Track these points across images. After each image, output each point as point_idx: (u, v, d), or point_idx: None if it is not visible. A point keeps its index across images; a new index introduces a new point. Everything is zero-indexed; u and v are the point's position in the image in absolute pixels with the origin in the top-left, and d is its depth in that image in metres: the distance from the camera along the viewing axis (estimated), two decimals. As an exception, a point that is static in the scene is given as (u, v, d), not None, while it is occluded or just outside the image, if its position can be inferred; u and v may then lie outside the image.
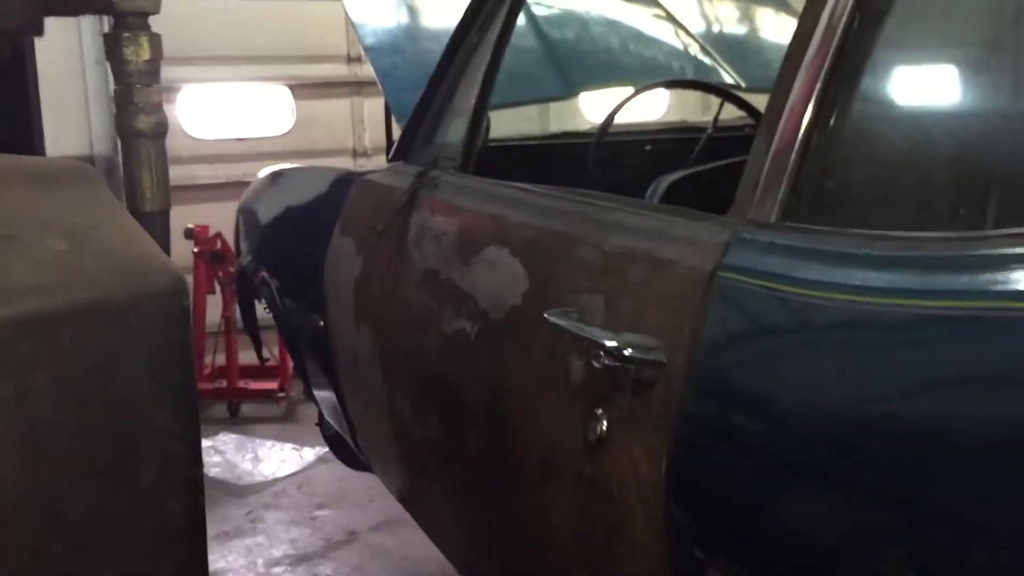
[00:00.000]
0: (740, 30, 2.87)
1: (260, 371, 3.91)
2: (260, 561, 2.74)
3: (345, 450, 2.43)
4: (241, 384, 3.91)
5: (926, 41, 1.06)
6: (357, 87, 4.61)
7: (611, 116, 2.10)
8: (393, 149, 1.95)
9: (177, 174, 4.37)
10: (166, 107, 4.32)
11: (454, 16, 1.79)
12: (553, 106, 3.66)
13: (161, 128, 3.77)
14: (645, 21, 2.65)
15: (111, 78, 3.69)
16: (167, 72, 4.27)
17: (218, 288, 3.91)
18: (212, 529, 2.87)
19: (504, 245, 1.36)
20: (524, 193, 1.44)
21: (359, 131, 4.66)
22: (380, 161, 2.37)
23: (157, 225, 3.58)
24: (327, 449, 2.85)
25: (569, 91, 2.50)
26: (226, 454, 3.50)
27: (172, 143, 4.36)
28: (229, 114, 4.50)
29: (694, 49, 2.65)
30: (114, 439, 1.28)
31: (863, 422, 0.79)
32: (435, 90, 1.82)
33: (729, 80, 2.57)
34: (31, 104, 3.45)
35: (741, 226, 0.99)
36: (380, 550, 2.77)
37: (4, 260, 1.23)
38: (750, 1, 2.87)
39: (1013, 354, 0.72)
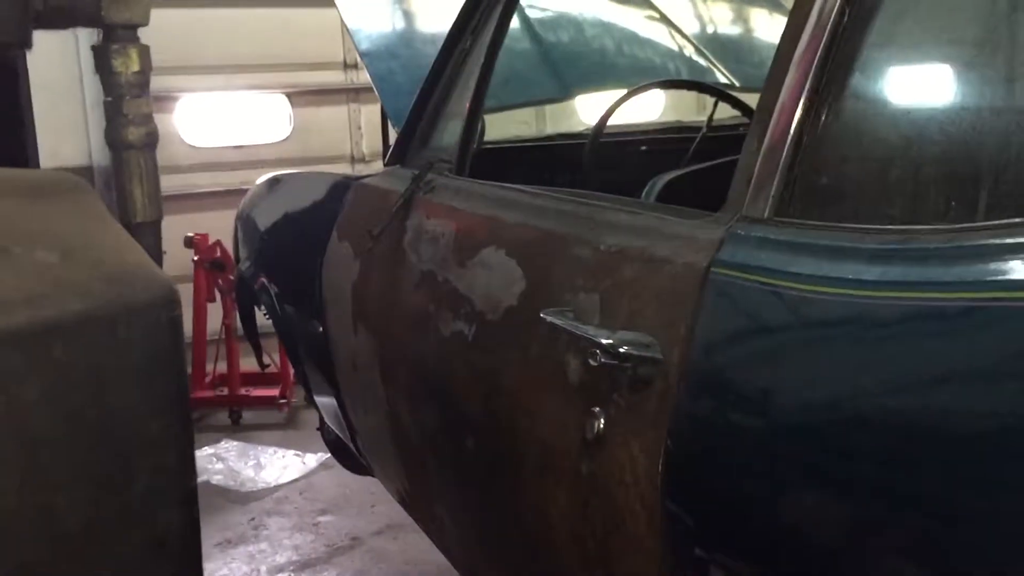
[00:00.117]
0: (733, 30, 2.88)
1: (261, 378, 3.92)
2: (263, 568, 2.74)
3: (346, 454, 2.43)
4: (243, 391, 3.91)
5: (916, 36, 1.06)
6: (354, 94, 4.62)
7: (605, 117, 2.10)
8: (389, 153, 1.96)
9: (176, 183, 4.39)
10: (165, 116, 4.34)
11: (449, 20, 1.80)
12: (548, 109, 3.67)
13: (151, 139, 3.79)
14: (638, 22, 2.65)
15: (108, 89, 3.71)
16: (165, 82, 4.29)
17: (218, 296, 3.91)
18: (215, 536, 2.90)
19: (500, 246, 1.36)
20: (519, 194, 1.44)
21: (356, 137, 4.67)
22: (378, 167, 2.39)
23: (148, 236, 3.59)
24: (329, 455, 2.86)
25: (564, 93, 2.51)
26: (228, 461, 3.51)
27: (171, 152, 4.39)
28: (227, 122, 4.51)
29: (688, 50, 2.65)
30: (106, 449, 1.28)
31: (859, 415, 0.79)
32: (430, 94, 1.83)
33: (723, 80, 2.58)
34: (23, 116, 3.46)
35: (734, 222, 0.99)
36: (383, 555, 2.77)
37: (-6, 273, 1.23)
38: (743, 1, 2.87)
39: (1006, 344, 0.72)
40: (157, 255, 3.78)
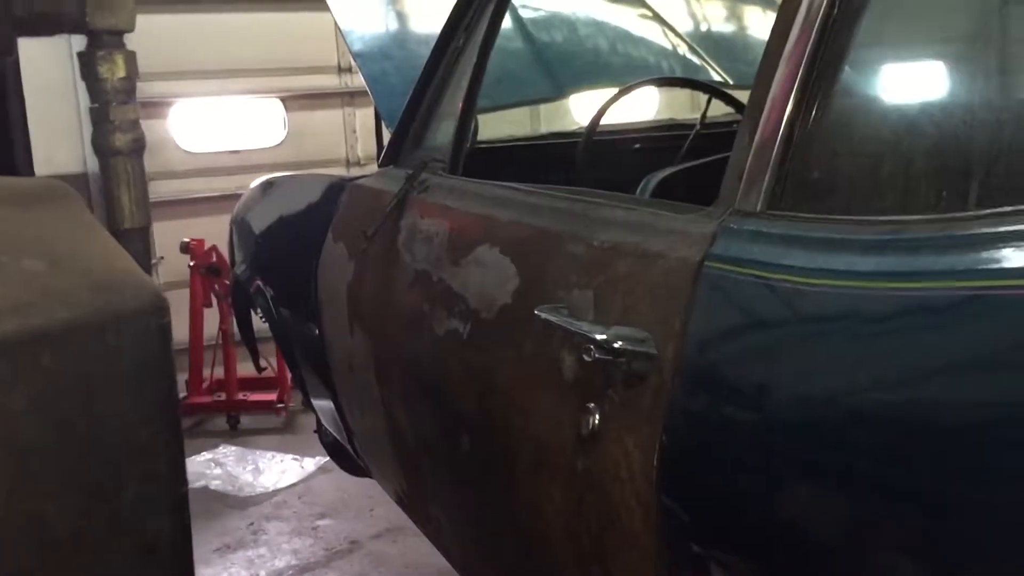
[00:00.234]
0: (726, 28, 2.88)
1: (259, 383, 3.91)
2: (263, 573, 2.74)
3: (344, 456, 2.43)
4: (240, 396, 3.91)
5: (905, 31, 1.07)
6: (349, 97, 4.62)
7: (599, 115, 2.10)
8: (383, 154, 1.96)
9: (171, 188, 4.39)
10: (159, 122, 4.34)
11: (442, 21, 1.80)
12: (543, 109, 3.67)
13: (139, 145, 3.79)
14: (631, 21, 2.66)
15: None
16: (160, 87, 4.29)
17: (215, 301, 3.91)
18: (214, 541, 2.89)
19: (494, 244, 1.36)
20: (512, 192, 1.44)
21: (351, 141, 4.68)
22: (373, 170, 2.39)
23: (137, 242, 3.59)
24: (327, 459, 2.85)
25: (557, 93, 2.51)
26: (226, 466, 3.50)
27: (166, 157, 4.39)
28: (222, 127, 4.51)
29: (681, 48, 2.65)
30: (96, 457, 1.27)
31: (854, 407, 0.79)
32: (423, 94, 1.83)
33: (717, 78, 2.58)
34: (12, 123, 3.46)
35: (727, 216, 0.99)
36: (382, 558, 2.77)
37: (-19, 282, 1.23)
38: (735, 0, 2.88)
39: (1000, 332, 0.72)
40: (145, 261, 3.78)
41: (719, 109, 2.29)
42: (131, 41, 4.03)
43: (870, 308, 0.80)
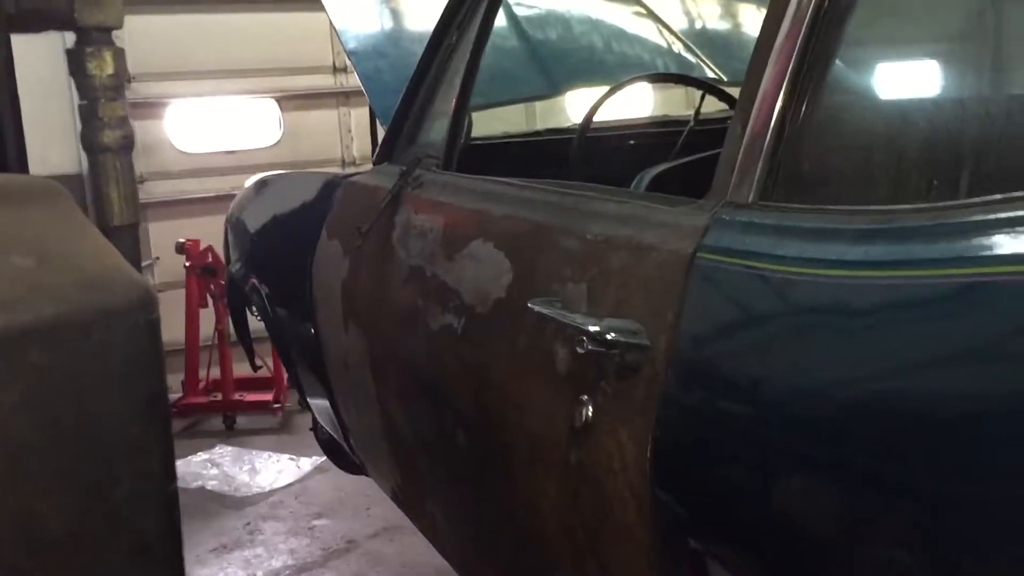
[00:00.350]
0: (721, 26, 2.88)
1: (255, 383, 3.91)
2: (259, 573, 2.73)
3: (340, 454, 2.42)
4: (236, 396, 3.91)
5: (893, 24, 1.07)
6: (344, 97, 4.62)
7: (592, 111, 2.11)
8: (377, 151, 1.96)
9: (167, 188, 4.39)
10: (155, 122, 4.34)
11: (435, 19, 1.80)
12: (539, 107, 3.68)
13: (128, 142, 3.77)
14: (626, 18, 2.66)
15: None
16: (155, 87, 4.29)
17: (210, 301, 3.90)
18: (210, 541, 2.89)
19: (488, 239, 1.36)
20: (506, 187, 1.44)
21: (347, 141, 4.67)
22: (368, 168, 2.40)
23: (126, 239, 3.58)
24: (324, 459, 2.85)
25: (551, 90, 2.51)
26: (223, 466, 3.50)
27: (161, 158, 4.38)
28: (217, 128, 4.51)
29: (676, 46, 2.66)
30: (86, 454, 1.26)
31: (845, 396, 0.79)
32: (416, 90, 1.83)
33: (711, 75, 2.58)
34: (5, 124, 3.45)
35: (719, 208, 0.99)
36: (379, 558, 2.76)
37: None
38: (729, -3, 2.88)
39: (990, 319, 0.71)
40: (135, 258, 3.77)
41: (714, 106, 2.30)
42: (126, 41, 4.03)
43: (860, 296, 0.80)
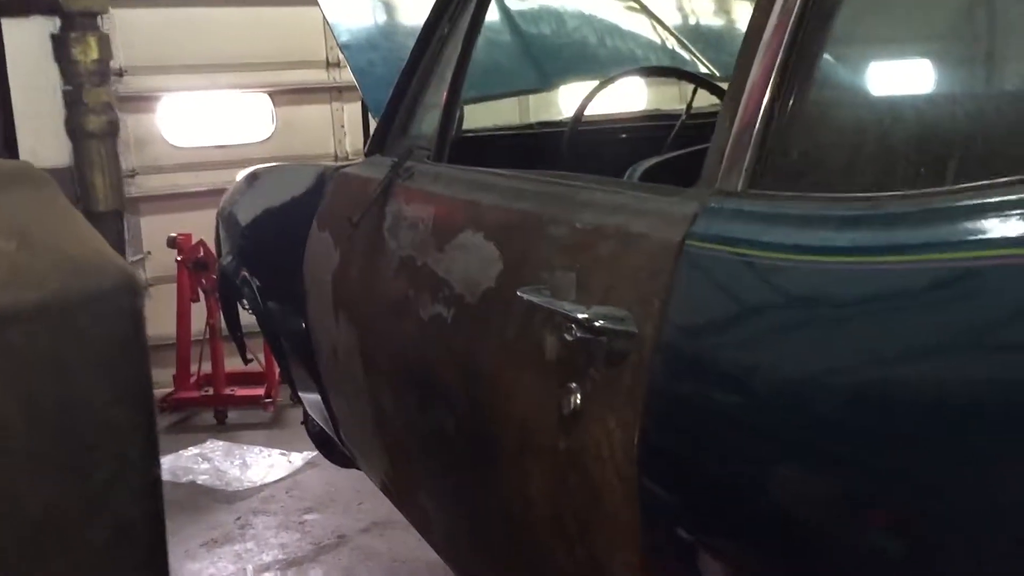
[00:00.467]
0: (714, 21, 2.89)
1: (247, 378, 3.91)
2: (250, 567, 2.73)
3: (330, 447, 2.42)
4: (228, 391, 3.90)
5: (881, 17, 1.08)
6: (337, 92, 4.61)
7: (584, 104, 2.11)
8: (369, 142, 1.96)
9: (159, 183, 4.37)
10: (147, 116, 4.32)
11: (429, 12, 1.80)
12: (532, 101, 3.67)
13: (112, 128, 3.76)
14: (618, 13, 2.66)
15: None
16: (147, 81, 4.27)
17: (202, 296, 3.90)
18: (201, 536, 2.88)
19: (478, 229, 1.36)
20: (496, 177, 1.44)
21: (339, 136, 4.66)
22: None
23: (111, 225, 3.56)
24: (315, 454, 2.84)
25: (544, 84, 2.51)
26: (214, 461, 3.49)
27: (153, 152, 4.37)
28: (210, 122, 4.50)
29: (670, 41, 2.66)
30: (68, 437, 1.26)
31: (833, 383, 0.79)
32: (408, 82, 1.83)
33: (703, 70, 2.59)
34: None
35: (708, 196, 0.99)
36: (370, 552, 2.76)
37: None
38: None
39: (977, 304, 0.72)
40: (120, 244, 3.75)
41: (706, 100, 2.30)
42: (118, 34, 4.02)
43: (847, 282, 0.80)
